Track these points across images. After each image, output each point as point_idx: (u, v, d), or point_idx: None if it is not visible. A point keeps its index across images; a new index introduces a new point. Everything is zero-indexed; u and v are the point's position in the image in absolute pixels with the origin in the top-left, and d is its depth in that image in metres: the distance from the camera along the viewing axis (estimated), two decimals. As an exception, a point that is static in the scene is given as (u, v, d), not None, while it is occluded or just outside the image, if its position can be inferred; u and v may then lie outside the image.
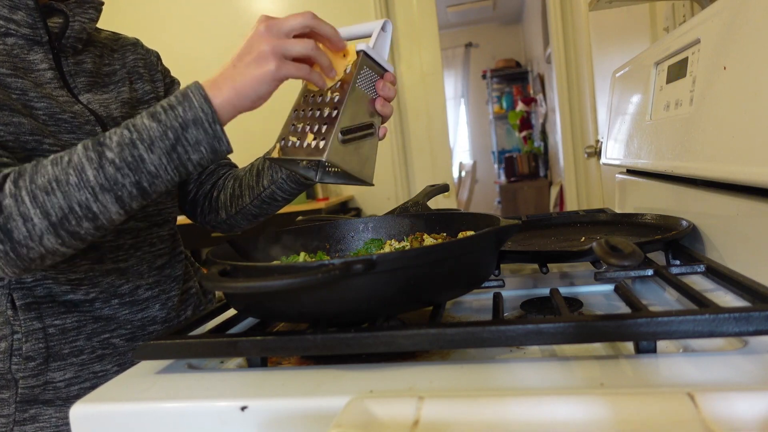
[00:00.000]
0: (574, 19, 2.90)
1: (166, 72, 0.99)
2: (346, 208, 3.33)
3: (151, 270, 0.86)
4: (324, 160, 0.63)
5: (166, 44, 2.06)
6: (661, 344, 0.50)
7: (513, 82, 6.10)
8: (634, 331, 0.46)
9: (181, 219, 0.99)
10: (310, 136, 0.66)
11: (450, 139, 3.60)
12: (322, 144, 0.64)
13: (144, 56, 0.94)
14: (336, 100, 0.66)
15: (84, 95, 0.81)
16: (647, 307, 0.51)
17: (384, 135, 0.73)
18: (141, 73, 0.92)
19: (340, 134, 0.65)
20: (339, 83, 0.68)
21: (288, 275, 0.47)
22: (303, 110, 0.70)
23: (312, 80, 0.64)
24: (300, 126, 0.68)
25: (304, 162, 0.73)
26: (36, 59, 0.77)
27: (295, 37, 0.63)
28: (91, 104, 0.81)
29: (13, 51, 0.75)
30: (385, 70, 0.71)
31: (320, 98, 0.68)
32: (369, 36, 0.70)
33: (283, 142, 0.69)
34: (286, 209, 2.92)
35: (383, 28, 0.69)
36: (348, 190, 3.40)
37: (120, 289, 0.82)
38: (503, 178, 5.98)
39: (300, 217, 0.96)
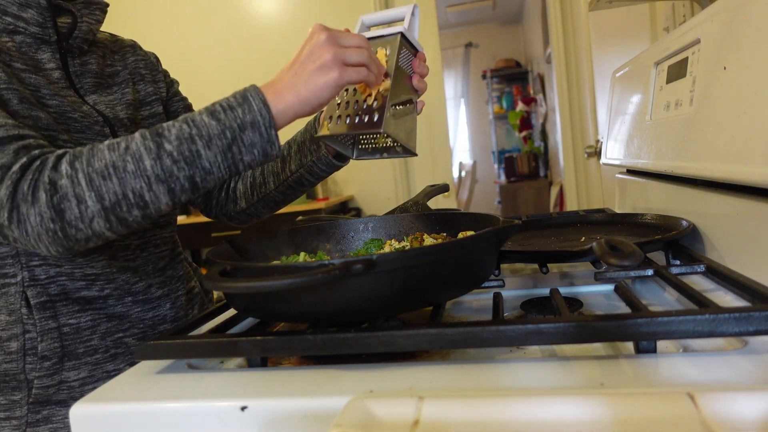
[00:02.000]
0: (574, 19, 2.90)
1: (165, 73, 0.99)
2: (346, 208, 3.33)
3: (155, 271, 0.87)
4: (382, 131, 0.69)
5: (167, 45, 2.07)
6: (661, 344, 0.50)
7: (513, 82, 6.10)
8: (634, 331, 0.46)
9: (181, 219, 0.99)
10: (363, 112, 0.71)
11: (450, 139, 3.61)
12: (376, 118, 0.70)
13: (144, 57, 0.95)
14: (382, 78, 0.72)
15: (90, 96, 0.82)
16: (647, 307, 0.51)
17: (422, 109, 0.79)
18: (143, 74, 0.93)
19: (391, 108, 0.71)
20: None
21: (288, 275, 0.47)
22: (346, 89, 0.75)
23: (369, 82, 0.68)
24: (347, 103, 0.74)
25: (343, 139, 0.80)
26: (43, 58, 0.77)
27: None
28: (98, 105, 0.82)
29: (21, 49, 0.75)
30: (417, 50, 0.78)
31: None
32: (396, 21, 0.77)
33: (330, 119, 0.75)
34: (286, 209, 2.92)
35: (413, 13, 0.76)
36: (348, 190, 3.40)
37: (134, 287, 0.83)
38: (503, 178, 5.98)
39: (300, 217, 0.97)
